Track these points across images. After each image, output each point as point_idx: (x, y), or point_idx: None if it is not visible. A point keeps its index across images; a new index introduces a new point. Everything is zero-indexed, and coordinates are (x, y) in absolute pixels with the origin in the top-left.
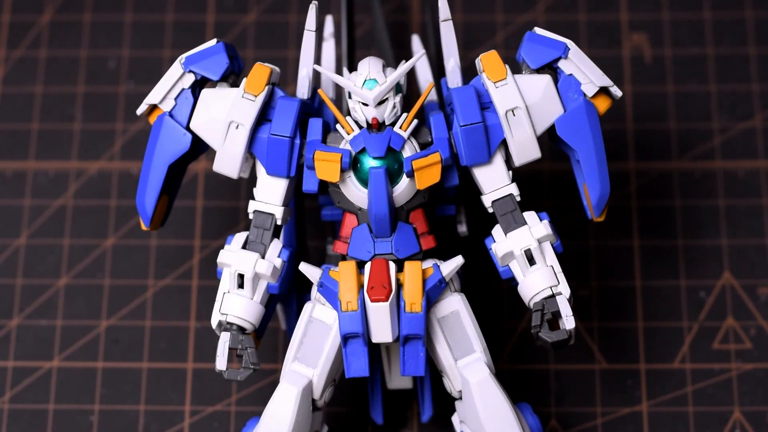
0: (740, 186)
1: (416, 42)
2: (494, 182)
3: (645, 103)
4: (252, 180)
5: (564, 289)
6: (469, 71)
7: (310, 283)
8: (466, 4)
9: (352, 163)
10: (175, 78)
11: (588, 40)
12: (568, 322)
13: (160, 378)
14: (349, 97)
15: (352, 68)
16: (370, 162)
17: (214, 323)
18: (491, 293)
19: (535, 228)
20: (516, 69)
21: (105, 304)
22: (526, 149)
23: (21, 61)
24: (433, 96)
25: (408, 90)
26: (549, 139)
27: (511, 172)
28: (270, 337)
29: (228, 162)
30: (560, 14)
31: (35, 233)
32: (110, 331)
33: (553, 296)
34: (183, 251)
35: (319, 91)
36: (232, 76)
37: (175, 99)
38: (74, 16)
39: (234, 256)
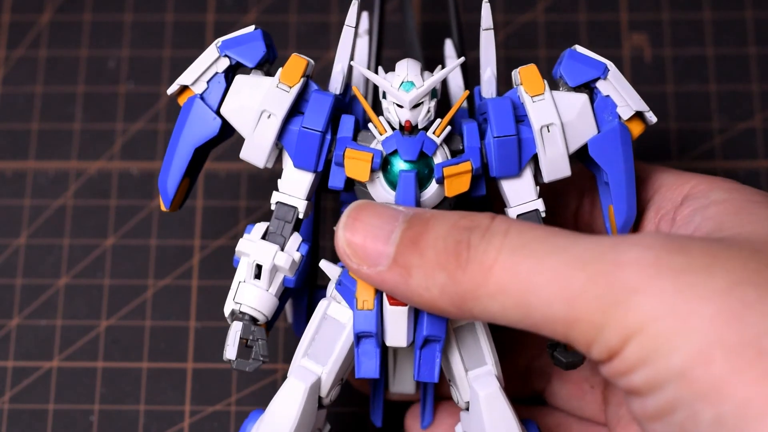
0: None
1: (449, 46)
2: (521, 196)
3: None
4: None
5: None
6: (468, 71)
7: (320, 281)
8: (467, 4)
9: (382, 164)
10: (209, 61)
11: (588, 40)
12: None
13: (160, 378)
14: (383, 97)
15: (378, 66)
16: (400, 164)
17: (227, 311)
18: None
19: None
20: (551, 83)
21: (105, 304)
22: (556, 166)
23: (21, 61)
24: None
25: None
26: (577, 157)
27: (538, 187)
28: (270, 337)
29: (256, 150)
30: (560, 14)
31: (35, 233)
32: (110, 331)
33: None
34: (183, 251)
35: (354, 88)
36: (267, 65)
37: (208, 82)
38: (74, 16)
39: (253, 246)
